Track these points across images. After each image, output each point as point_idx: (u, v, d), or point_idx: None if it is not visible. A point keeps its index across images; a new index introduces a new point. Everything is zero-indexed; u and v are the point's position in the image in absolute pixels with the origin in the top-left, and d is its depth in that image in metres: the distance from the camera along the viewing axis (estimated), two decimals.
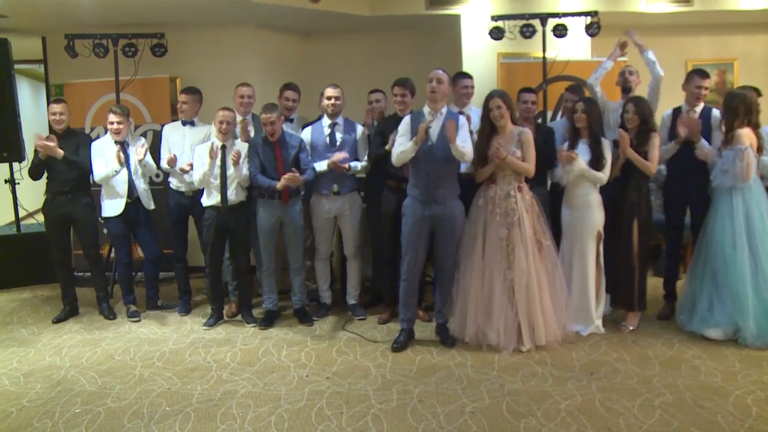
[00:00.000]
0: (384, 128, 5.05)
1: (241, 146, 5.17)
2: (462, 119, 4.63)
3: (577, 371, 4.13)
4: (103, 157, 5.36)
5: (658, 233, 5.91)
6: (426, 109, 4.56)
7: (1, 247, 6.78)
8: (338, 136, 5.23)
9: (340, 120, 5.29)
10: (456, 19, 6.85)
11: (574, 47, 6.44)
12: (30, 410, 3.79)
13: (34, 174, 5.42)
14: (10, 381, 4.25)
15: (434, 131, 4.49)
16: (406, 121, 4.59)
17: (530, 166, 4.55)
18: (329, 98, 5.24)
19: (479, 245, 4.61)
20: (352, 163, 5.18)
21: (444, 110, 4.54)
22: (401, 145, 4.50)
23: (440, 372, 4.19)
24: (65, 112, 5.46)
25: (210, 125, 5.55)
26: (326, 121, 5.30)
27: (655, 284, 5.37)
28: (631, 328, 4.84)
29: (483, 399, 3.76)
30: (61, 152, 5.22)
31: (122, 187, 5.39)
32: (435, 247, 4.70)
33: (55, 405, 3.85)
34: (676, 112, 5.08)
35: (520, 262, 4.49)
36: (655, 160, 4.71)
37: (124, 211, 5.39)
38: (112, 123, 5.35)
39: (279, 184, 4.93)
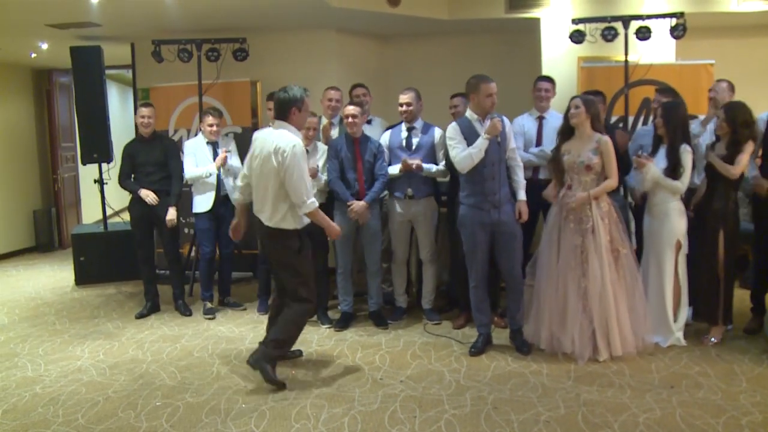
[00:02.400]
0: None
1: (322, 149, 5.25)
2: (506, 122, 4.57)
3: (657, 384, 4.00)
4: (195, 156, 5.62)
5: (746, 243, 5.66)
6: (472, 114, 4.54)
7: (89, 244, 7.09)
8: (414, 140, 5.24)
9: (418, 124, 5.28)
10: (536, 22, 6.75)
11: (657, 50, 6.25)
12: (115, 401, 3.94)
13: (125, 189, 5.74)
14: (97, 372, 4.43)
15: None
16: (455, 128, 4.57)
17: (612, 182, 4.46)
18: (401, 105, 5.24)
19: (554, 252, 4.54)
20: (425, 165, 5.17)
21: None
22: (462, 151, 4.47)
23: (515, 379, 4.13)
24: (152, 115, 5.71)
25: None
26: (404, 125, 5.32)
27: (741, 296, 5.14)
28: (715, 341, 4.64)
29: (558, 408, 3.69)
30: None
31: (212, 184, 5.58)
32: (498, 254, 4.62)
33: (138, 397, 3.99)
34: None
35: (593, 270, 4.39)
36: (741, 162, 4.47)
37: (213, 206, 5.56)
38: (211, 125, 5.61)
39: (351, 209, 5.02)
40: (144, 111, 5.69)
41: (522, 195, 4.57)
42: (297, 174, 3.95)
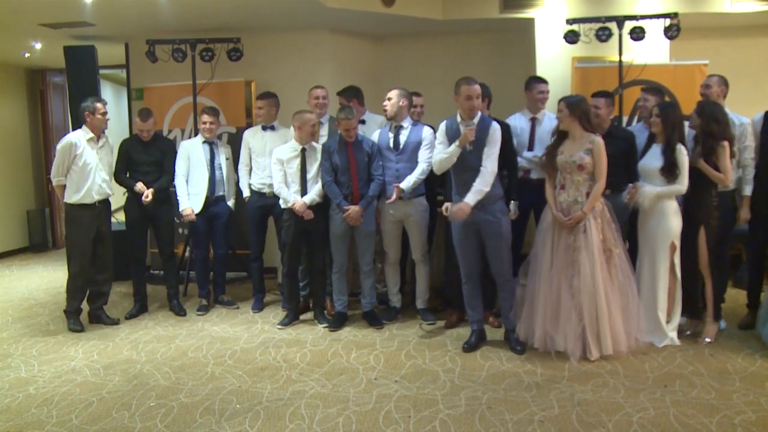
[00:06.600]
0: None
1: (318, 148, 5.28)
2: (492, 130, 4.49)
3: (651, 383, 4.00)
4: (188, 158, 5.65)
5: (739, 242, 5.68)
6: (459, 117, 4.55)
7: None
8: (401, 139, 5.20)
9: (406, 123, 5.23)
10: (530, 22, 6.76)
11: (651, 50, 6.26)
12: (109, 401, 3.93)
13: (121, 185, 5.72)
14: (91, 372, 4.42)
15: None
16: (441, 127, 4.61)
17: (600, 185, 4.45)
18: (385, 101, 5.23)
19: (548, 251, 4.56)
20: (403, 184, 5.06)
21: (477, 119, 4.49)
22: (440, 153, 4.51)
23: (509, 379, 4.14)
24: (152, 127, 5.71)
25: (290, 128, 5.66)
26: (392, 123, 5.29)
27: (735, 295, 5.16)
28: (708, 340, 4.65)
29: (552, 408, 3.70)
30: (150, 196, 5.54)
31: (203, 186, 5.57)
32: (486, 253, 4.65)
33: (132, 398, 3.98)
34: None
35: (584, 268, 4.40)
36: (725, 170, 4.48)
37: (204, 208, 5.57)
38: (205, 123, 5.62)
39: (347, 214, 5.04)
40: (142, 125, 5.62)
41: (470, 198, 4.42)
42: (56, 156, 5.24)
